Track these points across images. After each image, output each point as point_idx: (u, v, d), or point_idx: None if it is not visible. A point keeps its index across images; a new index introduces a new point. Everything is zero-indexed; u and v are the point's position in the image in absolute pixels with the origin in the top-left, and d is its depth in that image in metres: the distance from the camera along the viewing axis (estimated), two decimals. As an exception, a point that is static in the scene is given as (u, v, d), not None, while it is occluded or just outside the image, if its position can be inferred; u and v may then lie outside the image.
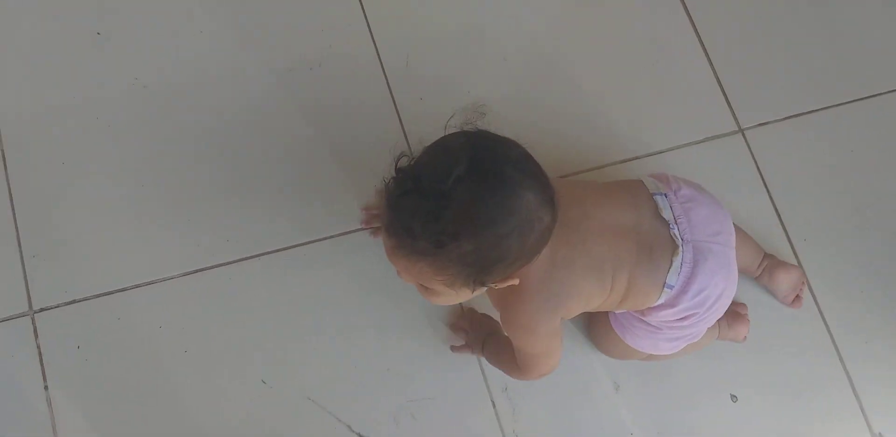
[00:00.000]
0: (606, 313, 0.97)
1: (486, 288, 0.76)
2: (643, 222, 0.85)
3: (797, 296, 1.06)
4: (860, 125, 1.14)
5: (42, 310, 0.99)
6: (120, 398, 0.96)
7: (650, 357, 0.99)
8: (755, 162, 1.13)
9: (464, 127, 0.74)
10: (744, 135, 1.14)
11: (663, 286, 0.85)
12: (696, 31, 1.18)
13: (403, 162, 0.71)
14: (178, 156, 1.08)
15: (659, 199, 0.87)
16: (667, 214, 0.85)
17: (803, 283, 1.07)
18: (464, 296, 0.77)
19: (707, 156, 1.13)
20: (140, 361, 0.98)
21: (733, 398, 1.03)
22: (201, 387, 0.98)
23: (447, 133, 0.73)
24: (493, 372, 1.02)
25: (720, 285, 0.86)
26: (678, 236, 0.84)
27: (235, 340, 1.00)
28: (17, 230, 1.02)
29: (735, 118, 1.14)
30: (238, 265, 1.03)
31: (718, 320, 1.01)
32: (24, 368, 0.96)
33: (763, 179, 1.12)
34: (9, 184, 1.04)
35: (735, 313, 1.05)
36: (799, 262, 1.08)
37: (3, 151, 1.07)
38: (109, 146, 1.08)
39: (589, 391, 1.03)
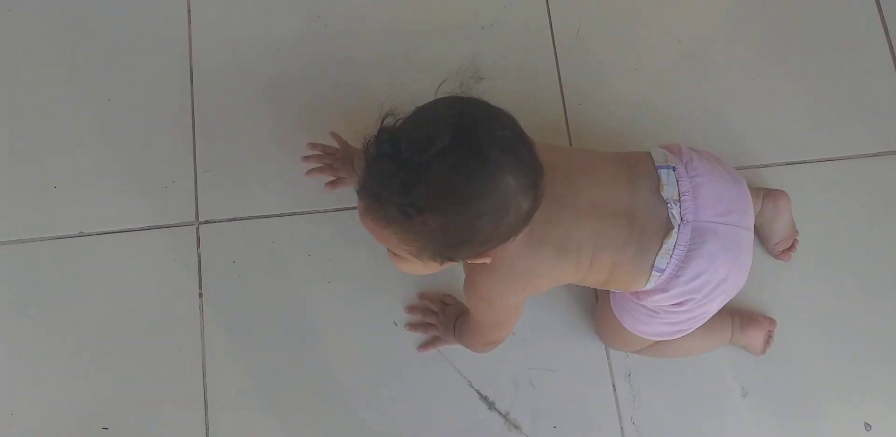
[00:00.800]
0: (609, 300, 0.92)
1: (455, 263, 0.73)
2: (639, 201, 0.79)
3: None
4: None
5: (206, 222, 1.04)
6: (263, 316, 1.02)
7: (651, 349, 0.95)
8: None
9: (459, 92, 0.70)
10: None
11: (651, 269, 0.80)
12: (888, 37, 1.12)
13: (389, 121, 0.66)
14: (345, 99, 1.09)
15: (664, 173, 0.80)
16: (668, 192, 0.79)
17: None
18: (432, 268, 0.74)
19: (878, 172, 1.06)
20: (286, 284, 1.03)
21: (867, 426, 0.98)
22: (337, 319, 1.02)
23: (439, 97, 0.69)
24: (617, 355, 1.00)
25: (722, 270, 0.80)
26: (676, 217, 0.78)
27: (376, 280, 1.03)
28: (194, 145, 1.07)
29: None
30: (391, 209, 1.04)
31: (733, 320, 0.97)
32: (183, 273, 1.02)
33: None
34: (193, 100, 1.09)
35: (750, 317, 0.98)
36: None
37: (191, 68, 1.10)
38: (288, 80, 1.10)
39: (715, 391, 1.00)
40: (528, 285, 0.80)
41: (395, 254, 0.74)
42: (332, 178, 1.04)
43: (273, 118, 1.08)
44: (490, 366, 1.00)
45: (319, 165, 1.03)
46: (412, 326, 1.01)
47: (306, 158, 1.04)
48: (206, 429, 0.97)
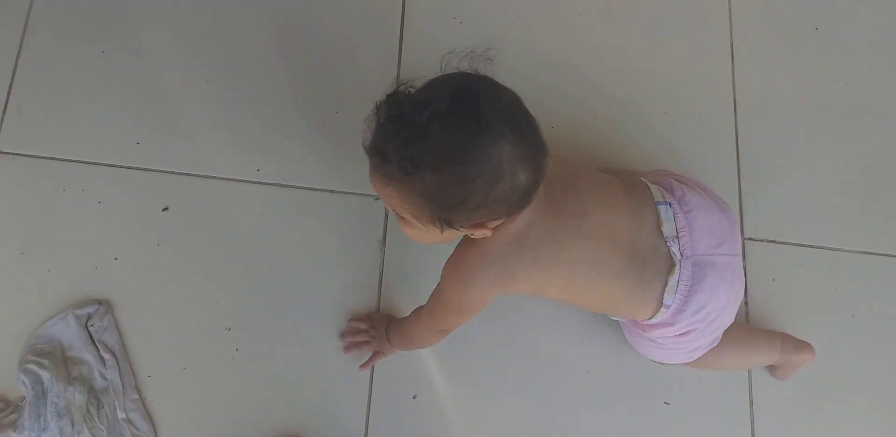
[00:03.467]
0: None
1: (456, 231, 0.76)
2: (642, 235, 0.84)
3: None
4: None
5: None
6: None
7: (696, 364, 0.97)
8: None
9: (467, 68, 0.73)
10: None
11: (659, 305, 0.85)
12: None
13: (402, 89, 0.72)
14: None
15: (662, 209, 0.86)
16: (668, 228, 0.85)
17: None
18: (433, 234, 0.77)
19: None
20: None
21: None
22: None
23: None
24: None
25: (722, 299, 0.86)
26: (677, 254, 0.84)
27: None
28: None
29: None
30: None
31: (782, 342, 1.01)
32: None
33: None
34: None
35: (798, 341, 1.01)
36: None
37: None
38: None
39: None
40: (504, 283, 0.82)
41: (401, 218, 0.77)
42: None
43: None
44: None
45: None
46: (347, 349, 1.01)
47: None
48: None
